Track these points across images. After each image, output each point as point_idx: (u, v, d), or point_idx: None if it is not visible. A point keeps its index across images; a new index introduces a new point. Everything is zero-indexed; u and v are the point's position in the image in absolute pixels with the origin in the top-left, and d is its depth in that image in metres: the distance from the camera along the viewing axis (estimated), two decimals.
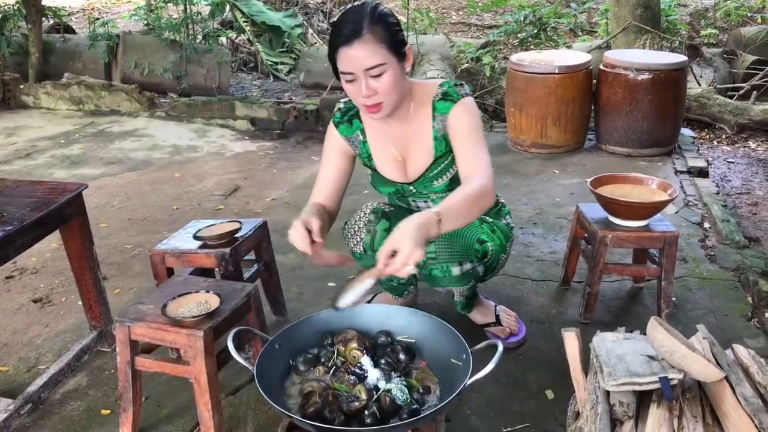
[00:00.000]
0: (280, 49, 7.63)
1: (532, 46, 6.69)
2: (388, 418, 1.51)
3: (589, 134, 4.67)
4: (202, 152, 4.86)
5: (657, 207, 2.33)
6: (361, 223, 2.19)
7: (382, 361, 1.66)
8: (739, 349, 1.59)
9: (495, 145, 4.71)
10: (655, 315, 1.77)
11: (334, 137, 2.07)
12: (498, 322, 2.34)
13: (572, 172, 4.15)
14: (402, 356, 1.69)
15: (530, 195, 3.77)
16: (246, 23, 7.55)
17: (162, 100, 6.17)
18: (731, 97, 5.44)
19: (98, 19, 7.83)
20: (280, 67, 7.38)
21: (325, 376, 1.64)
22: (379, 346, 1.74)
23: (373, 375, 1.61)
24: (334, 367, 1.66)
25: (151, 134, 5.30)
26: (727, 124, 5.13)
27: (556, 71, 4.29)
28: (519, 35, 6.86)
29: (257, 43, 7.52)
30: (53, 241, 3.14)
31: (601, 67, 4.41)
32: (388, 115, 1.87)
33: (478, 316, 2.36)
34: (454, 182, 2.00)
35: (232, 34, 7.73)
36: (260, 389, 1.50)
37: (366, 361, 1.65)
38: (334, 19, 8.37)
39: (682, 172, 4.05)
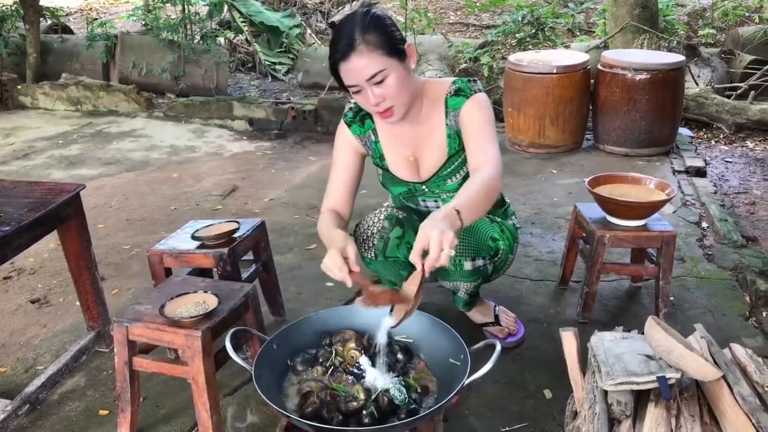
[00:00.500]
0: (278, 50, 7.63)
1: (530, 46, 6.69)
2: (387, 417, 1.51)
3: (587, 134, 4.67)
4: (200, 152, 4.86)
5: (655, 206, 2.33)
6: (375, 228, 2.16)
7: (380, 361, 1.66)
8: (737, 348, 1.59)
9: None
10: (652, 314, 1.77)
11: (345, 136, 2.07)
12: (497, 322, 2.34)
13: (570, 171, 4.15)
14: (400, 356, 1.70)
15: (528, 195, 3.77)
16: (244, 23, 7.55)
17: (160, 100, 6.16)
18: (729, 97, 5.44)
19: (96, 19, 7.83)
20: (278, 67, 7.38)
21: (323, 376, 1.65)
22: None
23: (371, 375, 1.61)
24: (332, 367, 1.66)
25: (149, 134, 5.30)
26: (724, 123, 5.13)
27: (554, 71, 4.29)
28: (517, 35, 6.86)
29: (255, 44, 7.51)
30: (51, 242, 3.14)
31: (599, 67, 4.41)
32: (402, 116, 1.88)
33: (477, 316, 2.36)
34: (464, 181, 2.01)
35: (230, 35, 7.73)
36: (258, 389, 1.50)
37: (364, 361, 1.65)
38: (333, 18, 8.37)
39: (680, 172, 4.06)
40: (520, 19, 6.79)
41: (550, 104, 4.33)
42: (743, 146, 4.94)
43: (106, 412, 2.06)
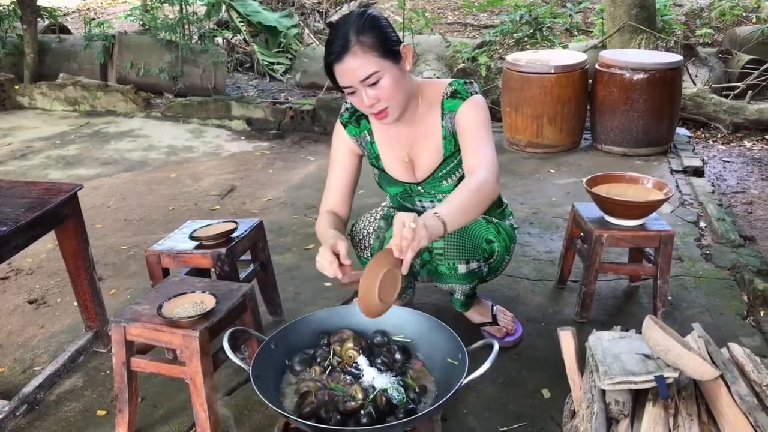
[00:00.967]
0: (276, 50, 7.63)
1: (528, 46, 6.70)
2: (385, 417, 1.51)
3: (585, 134, 4.68)
4: (198, 152, 4.86)
5: (653, 206, 2.34)
6: (371, 228, 2.18)
7: (378, 361, 1.66)
8: (735, 347, 1.59)
9: None
10: (650, 314, 1.77)
11: (341, 137, 2.08)
12: (495, 321, 2.35)
13: (568, 171, 4.16)
14: (398, 356, 1.70)
15: (526, 195, 3.77)
16: (242, 23, 7.55)
17: (158, 100, 6.16)
18: (726, 97, 5.45)
19: (94, 19, 7.82)
20: (276, 67, 7.38)
21: (321, 376, 1.64)
22: (375, 345, 1.74)
23: (369, 374, 1.61)
24: (330, 367, 1.66)
25: (147, 135, 5.29)
26: (722, 123, 5.14)
27: (552, 71, 4.30)
28: (515, 35, 6.86)
29: (253, 44, 7.51)
30: (48, 242, 3.13)
31: (597, 66, 4.42)
32: (397, 118, 1.89)
33: (475, 316, 2.36)
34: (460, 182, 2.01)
35: (228, 35, 7.72)
36: (256, 389, 1.50)
37: (362, 360, 1.65)
38: (331, 18, 8.37)
39: (677, 172, 4.06)
40: (518, 18, 6.79)
41: (548, 104, 4.34)
42: (741, 146, 4.95)
43: (104, 412, 2.06)
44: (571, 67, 4.33)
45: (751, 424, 1.32)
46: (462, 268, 2.04)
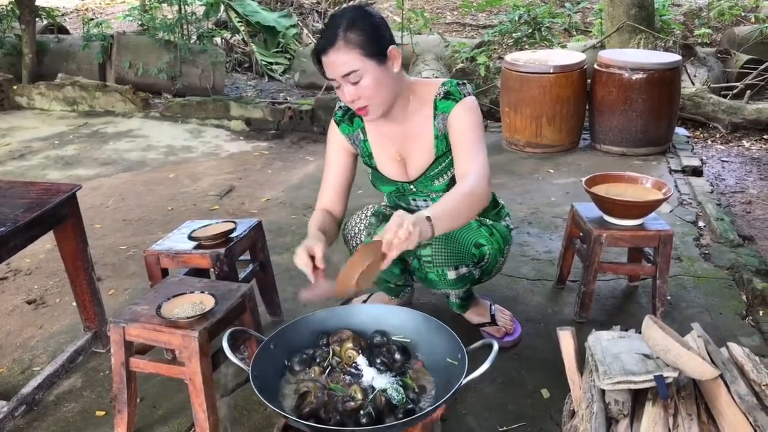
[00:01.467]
0: (275, 50, 7.63)
1: (526, 46, 6.70)
2: (384, 418, 1.51)
3: (584, 134, 4.68)
4: (197, 153, 4.85)
5: (652, 206, 2.34)
6: (362, 225, 2.19)
7: (378, 361, 1.66)
8: (734, 347, 1.59)
9: (490, 145, 4.65)
10: (650, 313, 1.77)
11: (335, 136, 2.09)
12: (493, 321, 2.35)
13: (567, 171, 4.16)
14: (397, 356, 1.69)
15: (525, 194, 3.77)
16: (240, 23, 7.54)
17: (156, 100, 6.15)
18: (725, 97, 5.45)
19: (92, 19, 7.82)
20: (274, 67, 7.37)
21: (320, 376, 1.64)
22: (375, 346, 1.73)
23: (369, 375, 1.61)
24: (329, 368, 1.66)
25: (145, 135, 5.29)
26: (721, 123, 5.14)
27: (551, 71, 4.30)
28: (514, 35, 6.87)
29: (252, 44, 7.50)
30: (47, 242, 3.13)
31: (596, 66, 4.42)
32: (385, 116, 1.89)
33: (473, 316, 2.36)
34: (455, 182, 2.00)
35: (227, 35, 7.72)
36: (255, 390, 1.49)
37: (361, 361, 1.65)
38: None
39: (676, 171, 4.07)
40: (516, 18, 6.80)
41: (547, 104, 4.34)
42: (739, 146, 4.95)
43: (103, 413, 2.06)
44: (570, 67, 4.33)
45: (750, 423, 1.32)
46: (451, 274, 2.04)
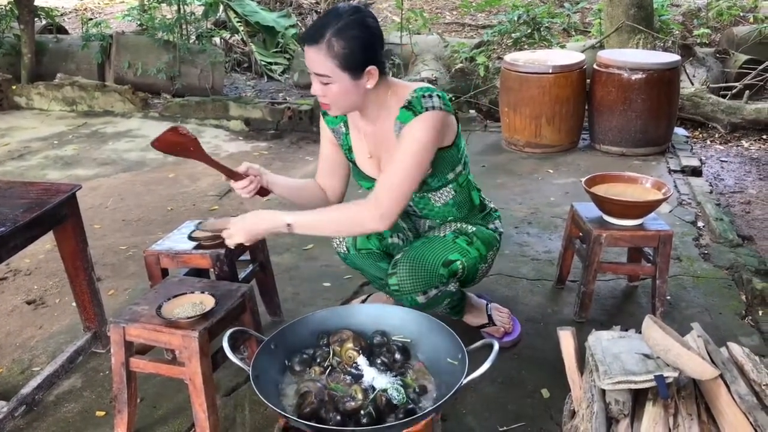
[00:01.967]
0: (274, 50, 7.62)
1: (525, 46, 6.71)
2: (385, 417, 1.51)
3: (583, 134, 4.68)
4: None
5: (651, 206, 2.34)
6: None
7: (378, 361, 1.66)
8: (734, 347, 1.60)
9: (489, 145, 4.72)
10: (649, 314, 1.77)
11: (323, 127, 2.15)
12: (491, 321, 2.34)
13: (566, 171, 4.16)
14: (398, 356, 1.69)
15: (525, 194, 3.77)
16: (240, 23, 7.54)
17: (155, 100, 6.15)
18: (724, 97, 5.46)
19: (91, 19, 7.81)
20: (274, 67, 7.37)
21: (321, 376, 1.64)
22: (375, 346, 1.74)
23: (369, 375, 1.61)
24: (329, 368, 1.66)
25: (144, 135, 5.28)
26: (720, 123, 5.15)
27: (550, 71, 4.30)
28: (513, 35, 6.87)
29: (251, 44, 7.50)
30: (47, 243, 3.13)
31: (595, 66, 4.42)
32: (365, 111, 1.92)
33: (471, 319, 2.35)
34: (425, 184, 2.02)
35: (226, 35, 7.71)
36: (256, 390, 1.50)
37: (362, 361, 1.65)
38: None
39: (675, 171, 4.07)
40: (515, 18, 6.80)
41: (546, 104, 4.34)
42: (738, 146, 4.96)
43: (103, 413, 2.06)
44: (569, 67, 4.33)
45: (750, 423, 1.32)
46: (421, 299, 2.01)
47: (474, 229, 2.13)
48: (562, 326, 1.66)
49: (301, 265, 2.97)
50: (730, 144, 5.00)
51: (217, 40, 7.43)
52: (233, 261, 2.20)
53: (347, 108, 1.88)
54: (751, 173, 4.40)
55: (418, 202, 2.10)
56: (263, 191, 2.08)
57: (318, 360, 1.69)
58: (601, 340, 1.59)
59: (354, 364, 1.66)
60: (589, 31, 7.59)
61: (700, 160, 4.35)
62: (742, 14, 7.66)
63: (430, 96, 1.86)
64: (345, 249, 2.18)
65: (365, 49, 1.78)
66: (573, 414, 1.67)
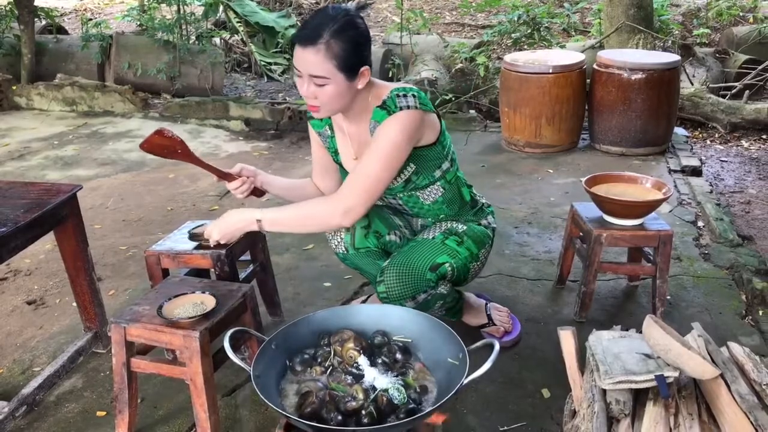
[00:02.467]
0: (274, 50, 7.62)
1: (525, 46, 6.71)
2: (386, 417, 1.51)
3: (583, 134, 4.69)
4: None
5: (651, 206, 2.34)
6: None
7: (379, 361, 1.66)
8: (734, 346, 1.60)
9: (489, 145, 4.73)
10: (650, 313, 1.77)
11: (311, 131, 2.18)
12: (491, 321, 2.34)
13: (566, 171, 4.16)
14: (399, 356, 1.70)
15: (525, 194, 3.77)
16: (239, 24, 7.54)
17: (155, 100, 6.15)
18: (724, 97, 5.46)
19: (91, 19, 7.81)
20: (273, 67, 7.37)
21: (321, 376, 1.64)
22: (376, 346, 1.74)
23: (370, 375, 1.61)
24: (330, 368, 1.66)
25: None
26: (719, 123, 5.15)
27: (550, 71, 4.30)
28: (512, 35, 6.87)
29: (251, 44, 7.50)
30: (47, 243, 3.13)
31: (595, 66, 4.43)
32: (348, 113, 1.93)
33: (470, 319, 2.35)
34: (410, 182, 2.02)
35: (226, 35, 7.72)
36: (257, 389, 1.50)
37: (363, 361, 1.65)
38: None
39: (675, 171, 4.07)
40: (515, 19, 6.81)
41: (546, 104, 4.34)
42: (738, 145, 4.96)
43: (104, 413, 2.06)
44: (569, 67, 4.34)
45: (751, 422, 1.33)
46: (410, 304, 2.00)
47: (465, 227, 2.12)
48: (562, 326, 1.66)
49: (301, 265, 2.98)
50: (729, 144, 5.00)
51: (216, 40, 7.43)
52: (234, 261, 2.20)
53: (337, 110, 1.88)
54: (751, 173, 4.41)
55: (407, 201, 2.11)
56: (259, 192, 2.08)
57: (319, 360, 1.69)
58: (601, 340, 1.59)
59: (355, 364, 1.66)
60: (589, 31, 7.60)
61: (700, 160, 4.35)
62: (741, 14, 7.67)
63: (405, 95, 1.86)
64: (344, 249, 2.18)
65: (361, 50, 1.79)
66: (574, 414, 1.67)
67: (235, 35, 7.73)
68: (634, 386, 1.44)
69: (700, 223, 3.31)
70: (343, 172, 2.14)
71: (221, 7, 7.49)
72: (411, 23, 6.85)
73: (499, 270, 2.84)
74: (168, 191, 4.05)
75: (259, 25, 7.53)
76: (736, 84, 5.71)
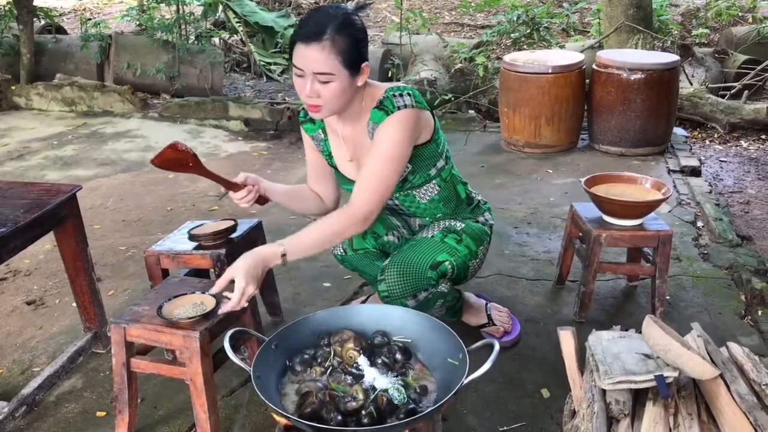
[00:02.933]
0: (273, 50, 7.62)
1: (525, 46, 6.71)
2: (386, 417, 1.51)
3: (583, 134, 4.69)
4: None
5: (651, 206, 2.34)
6: None
7: (379, 362, 1.66)
8: (734, 346, 1.60)
9: (488, 145, 4.73)
10: (649, 313, 1.78)
11: (304, 135, 2.15)
12: (491, 321, 2.34)
13: (566, 171, 4.16)
14: (398, 356, 1.70)
15: (524, 195, 3.78)
16: (239, 23, 7.54)
17: (155, 100, 6.15)
18: (723, 97, 5.47)
19: (90, 19, 7.79)
20: (273, 67, 7.37)
21: (321, 376, 1.64)
22: (376, 346, 1.74)
23: (370, 375, 1.61)
24: (330, 368, 1.66)
25: (144, 135, 5.29)
26: (719, 123, 5.16)
27: (549, 71, 4.30)
28: (512, 35, 6.87)
29: (250, 44, 7.50)
30: (47, 243, 3.13)
31: (594, 66, 4.43)
32: (342, 114, 1.91)
33: (470, 319, 2.36)
34: (407, 182, 2.02)
35: (225, 35, 7.71)
36: (257, 390, 1.50)
37: (363, 361, 1.65)
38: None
39: (674, 171, 4.07)
40: (515, 19, 6.81)
41: (546, 104, 4.34)
42: (737, 146, 4.96)
43: (104, 413, 2.06)
44: (569, 68, 4.34)
45: (750, 422, 1.33)
46: (411, 303, 1.99)
47: (463, 225, 2.12)
48: (562, 326, 1.66)
49: (301, 266, 2.98)
50: (729, 144, 5.01)
51: (216, 40, 7.42)
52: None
53: (338, 109, 1.86)
54: (750, 173, 4.41)
55: (403, 201, 2.10)
56: (261, 199, 2.06)
57: (319, 360, 1.69)
58: (601, 340, 1.59)
59: (355, 365, 1.66)
60: (588, 31, 7.60)
61: (699, 160, 4.35)
62: (740, 14, 7.67)
63: (401, 95, 1.87)
64: (342, 251, 2.19)
65: (361, 46, 1.80)
66: (573, 414, 1.67)
67: (235, 35, 7.72)
68: (633, 386, 1.45)
69: (700, 224, 3.32)
70: (338, 175, 2.13)
71: (220, 7, 7.48)
72: (410, 23, 6.85)
73: (499, 270, 2.84)
74: (168, 191, 4.05)
75: (258, 24, 7.53)
76: (735, 84, 5.71)
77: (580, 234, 2.53)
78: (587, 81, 4.49)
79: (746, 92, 5.48)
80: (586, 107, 4.55)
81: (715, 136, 5.13)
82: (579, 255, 2.53)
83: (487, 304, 2.38)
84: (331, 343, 1.73)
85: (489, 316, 2.35)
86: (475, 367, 1.52)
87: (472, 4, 8.58)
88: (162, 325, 1.77)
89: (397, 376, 1.63)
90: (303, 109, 2.09)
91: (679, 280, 2.73)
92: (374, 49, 6.46)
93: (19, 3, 6.00)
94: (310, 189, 2.20)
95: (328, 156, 2.11)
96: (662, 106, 4.27)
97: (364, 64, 1.81)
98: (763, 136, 5.06)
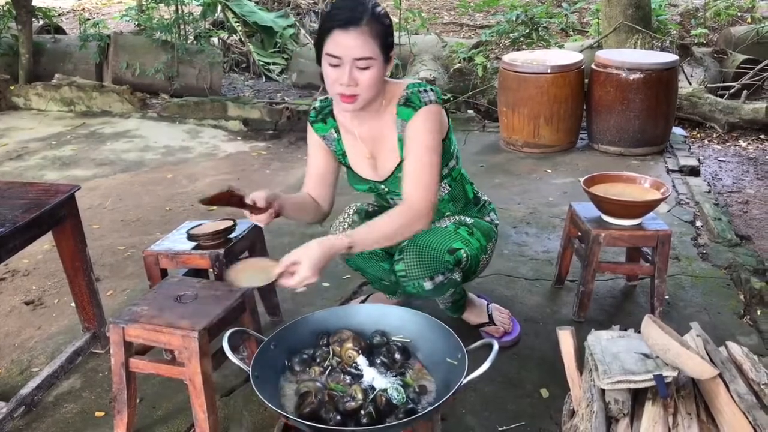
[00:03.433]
0: (272, 50, 7.62)
1: (524, 46, 6.71)
2: (385, 417, 1.51)
3: (582, 134, 4.69)
4: (195, 153, 4.85)
5: (650, 206, 2.34)
6: (346, 224, 2.18)
7: (378, 361, 1.66)
8: (733, 346, 1.60)
9: (488, 145, 4.73)
10: (648, 313, 1.78)
11: (312, 136, 2.12)
12: (491, 321, 2.35)
13: (565, 171, 4.16)
14: (398, 356, 1.70)
15: (523, 194, 3.78)
16: (238, 23, 7.53)
17: (154, 100, 6.14)
18: (722, 96, 5.47)
19: (89, 19, 7.79)
20: (272, 67, 7.37)
21: (320, 376, 1.64)
22: (375, 346, 1.74)
23: (369, 375, 1.61)
24: (329, 368, 1.66)
25: (143, 135, 5.28)
26: (717, 123, 5.16)
27: (548, 71, 4.30)
28: (511, 35, 6.87)
29: (249, 44, 7.50)
30: (45, 243, 3.12)
31: (593, 66, 4.43)
32: (361, 111, 1.88)
33: (471, 317, 2.36)
34: None
35: (224, 35, 7.71)
36: (256, 390, 1.50)
37: (362, 361, 1.65)
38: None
39: (673, 171, 4.08)
40: (513, 19, 6.81)
41: (545, 104, 4.34)
42: (736, 145, 4.97)
43: (102, 413, 2.06)
44: (568, 67, 4.34)
45: (749, 422, 1.33)
46: (428, 285, 2.00)
47: (472, 221, 2.13)
48: (561, 326, 1.66)
49: None
50: (727, 143, 5.01)
51: (215, 40, 7.42)
52: (232, 261, 2.20)
53: (371, 98, 1.83)
54: (749, 173, 4.41)
55: None
56: (276, 214, 2.00)
57: (318, 360, 1.69)
58: (600, 340, 1.59)
59: (354, 364, 1.66)
60: (587, 31, 7.60)
61: (698, 159, 4.36)
62: (739, 14, 7.68)
63: (425, 90, 1.89)
64: None
65: (391, 33, 1.81)
66: (572, 413, 1.67)
67: (234, 35, 7.72)
68: (632, 386, 1.44)
69: (699, 223, 3.32)
70: (351, 175, 2.13)
71: (219, 7, 7.48)
72: (409, 23, 6.85)
73: (498, 270, 2.84)
74: (166, 191, 4.05)
75: (257, 24, 7.53)
76: (734, 84, 5.72)
77: (579, 234, 2.53)
78: (586, 81, 4.50)
79: (745, 92, 5.48)
80: (585, 107, 4.55)
81: (714, 135, 5.13)
82: (578, 255, 2.53)
83: (488, 304, 2.39)
84: (330, 343, 1.73)
85: (490, 316, 2.35)
86: (474, 367, 1.52)
87: (471, 4, 8.58)
88: (161, 325, 1.77)
89: (396, 376, 1.63)
90: (314, 108, 2.08)
91: (678, 279, 2.73)
92: None
93: (17, 3, 6.00)
94: (309, 196, 2.14)
95: (342, 155, 2.09)
96: (661, 106, 4.27)
97: (392, 53, 1.82)
98: (762, 136, 5.06)
